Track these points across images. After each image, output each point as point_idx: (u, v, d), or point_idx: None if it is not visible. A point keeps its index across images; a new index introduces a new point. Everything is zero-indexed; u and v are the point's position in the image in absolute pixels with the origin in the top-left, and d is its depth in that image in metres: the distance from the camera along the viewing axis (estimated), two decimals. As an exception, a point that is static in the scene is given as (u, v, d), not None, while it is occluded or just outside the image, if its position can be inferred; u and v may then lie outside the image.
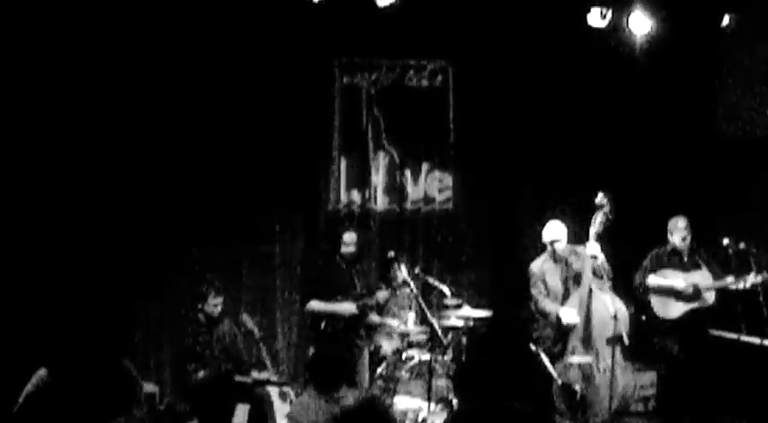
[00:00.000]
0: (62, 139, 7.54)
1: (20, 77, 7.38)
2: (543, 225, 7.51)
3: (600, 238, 7.20)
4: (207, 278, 7.35)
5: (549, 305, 7.29)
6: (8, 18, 7.27)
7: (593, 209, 7.22)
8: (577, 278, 7.31)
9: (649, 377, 7.96)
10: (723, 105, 8.97)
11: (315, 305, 7.34)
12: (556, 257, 7.40)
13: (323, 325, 7.29)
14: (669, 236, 7.61)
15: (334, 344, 7.12)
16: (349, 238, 7.45)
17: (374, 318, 7.65)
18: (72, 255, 7.50)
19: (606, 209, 7.19)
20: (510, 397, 3.93)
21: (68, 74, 7.52)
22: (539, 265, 7.45)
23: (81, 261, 7.53)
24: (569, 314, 7.15)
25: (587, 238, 7.21)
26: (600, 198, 7.23)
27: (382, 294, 7.57)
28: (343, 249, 7.44)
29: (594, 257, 7.15)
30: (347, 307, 7.34)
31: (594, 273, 7.19)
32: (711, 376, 7.46)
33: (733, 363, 7.51)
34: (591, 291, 7.14)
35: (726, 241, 7.51)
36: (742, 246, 7.45)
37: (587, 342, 7.10)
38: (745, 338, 7.40)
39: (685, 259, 7.58)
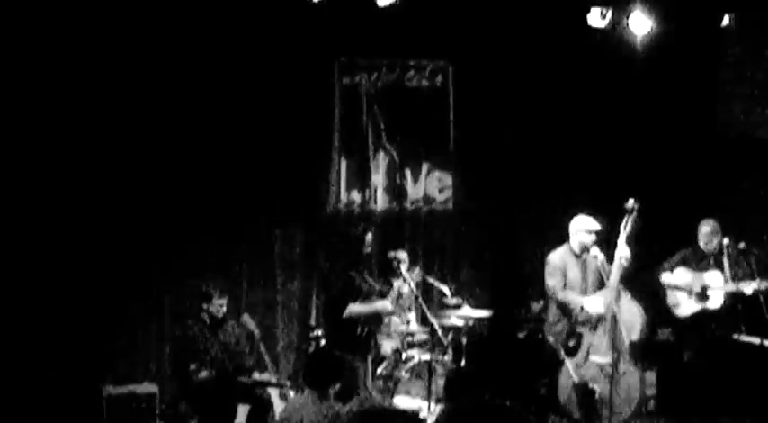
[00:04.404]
0: (64, 139, 7.52)
1: (18, 78, 7.36)
2: (542, 225, 7.50)
3: (629, 241, 7.09)
4: (210, 279, 7.35)
5: (570, 295, 7.18)
6: (8, 18, 7.27)
7: (623, 213, 7.13)
8: (597, 278, 7.20)
9: (649, 377, 7.95)
10: (723, 105, 8.98)
11: (356, 308, 6.77)
12: (579, 251, 7.27)
13: (359, 329, 6.83)
14: (698, 237, 7.67)
15: (367, 348, 6.87)
16: (369, 238, 7.00)
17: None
18: (73, 256, 7.49)
19: (635, 214, 7.10)
20: (506, 396, 3.92)
21: (67, 74, 7.49)
22: (559, 256, 7.31)
23: (82, 262, 7.52)
24: (595, 303, 7.03)
25: (614, 242, 7.09)
26: (630, 203, 7.13)
27: (406, 288, 7.25)
28: (365, 251, 6.99)
29: (627, 260, 7.02)
30: (386, 304, 6.91)
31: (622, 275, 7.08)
32: (712, 376, 7.46)
33: (733, 363, 7.51)
34: (619, 293, 7.03)
35: (726, 241, 7.52)
36: (742, 246, 7.46)
37: (614, 343, 6.96)
38: (745, 338, 7.41)
39: (711, 261, 7.58)
